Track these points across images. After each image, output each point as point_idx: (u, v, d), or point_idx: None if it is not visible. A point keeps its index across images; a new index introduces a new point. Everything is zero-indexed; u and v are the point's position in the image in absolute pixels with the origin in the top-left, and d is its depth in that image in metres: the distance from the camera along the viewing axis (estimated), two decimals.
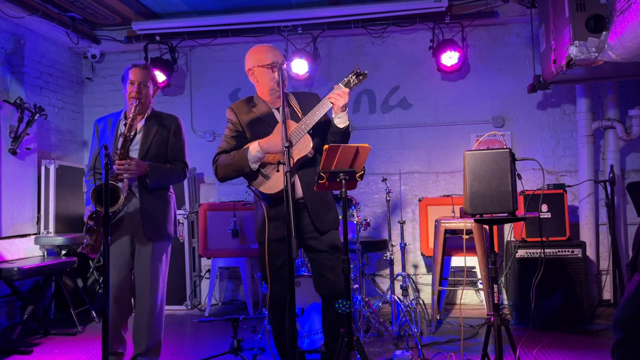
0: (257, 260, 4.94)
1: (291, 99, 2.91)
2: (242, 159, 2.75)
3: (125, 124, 3.04)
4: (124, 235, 3.02)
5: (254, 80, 2.91)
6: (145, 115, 3.11)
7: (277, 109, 2.87)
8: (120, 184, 2.88)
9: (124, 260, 3.04)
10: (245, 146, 2.80)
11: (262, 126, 2.83)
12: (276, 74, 2.69)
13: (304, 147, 2.70)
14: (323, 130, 2.80)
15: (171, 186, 3.23)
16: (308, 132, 2.70)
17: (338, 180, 2.49)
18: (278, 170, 2.73)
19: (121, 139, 2.95)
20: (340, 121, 2.73)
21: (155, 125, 3.11)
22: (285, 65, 2.82)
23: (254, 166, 2.75)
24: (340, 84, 2.67)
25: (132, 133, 3.00)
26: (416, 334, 3.65)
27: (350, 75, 2.67)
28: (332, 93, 2.66)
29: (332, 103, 2.66)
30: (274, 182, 2.75)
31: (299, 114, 2.83)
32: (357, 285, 3.86)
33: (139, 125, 3.10)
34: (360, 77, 2.67)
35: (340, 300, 2.51)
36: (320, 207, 2.83)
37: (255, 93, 2.96)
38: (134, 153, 3.02)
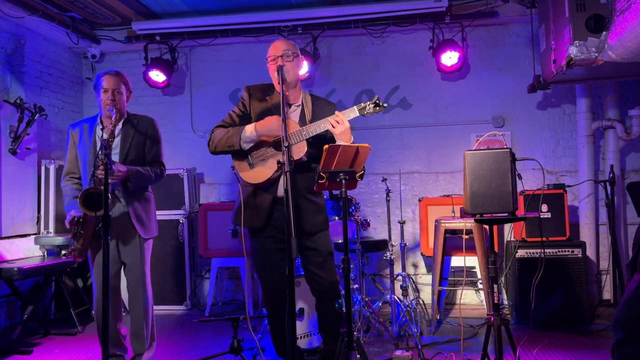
0: None
1: (307, 101, 2.90)
2: (235, 136, 2.77)
3: (102, 129, 3.11)
4: (111, 238, 3.05)
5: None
6: (122, 120, 3.15)
7: (290, 105, 2.88)
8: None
9: (113, 261, 3.06)
10: (243, 125, 2.81)
11: (269, 116, 2.82)
12: (276, 72, 2.69)
13: (297, 151, 2.70)
14: (325, 143, 2.78)
15: (149, 185, 3.29)
16: (307, 139, 2.69)
17: (338, 180, 2.50)
18: (278, 171, 2.74)
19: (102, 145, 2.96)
20: None
21: (132, 129, 3.17)
22: (293, 58, 2.79)
23: (245, 146, 2.76)
24: (355, 107, 2.66)
25: (111, 138, 3.00)
26: (416, 334, 3.65)
27: (368, 103, 2.65)
28: (332, 117, 2.65)
29: (331, 126, 2.64)
30: (256, 173, 2.77)
31: (307, 118, 2.83)
32: (357, 285, 3.86)
33: (116, 129, 3.13)
34: (377, 108, 2.65)
35: (339, 301, 2.52)
36: (308, 210, 2.84)
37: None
38: (114, 157, 3.07)
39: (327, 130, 2.69)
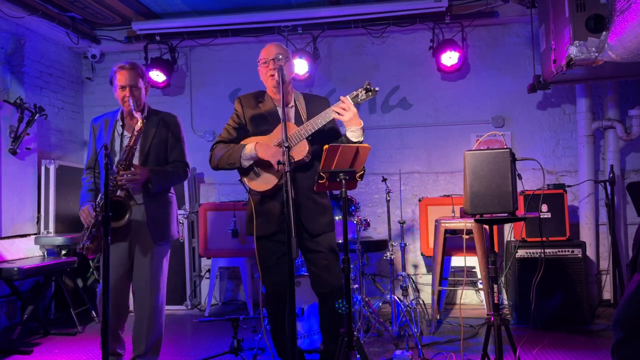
0: (256, 260, 4.94)
1: (299, 101, 2.90)
2: (235, 154, 2.77)
3: (122, 125, 3.03)
4: (122, 237, 2.98)
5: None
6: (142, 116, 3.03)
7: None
8: (118, 192, 2.84)
9: (121, 262, 3.00)
10: (243, 142, 2.81)
11: (264, 123, 2.83)
12: (276, 73, 2.68)
13: (298, 152, 2.69)
14: (326, 138, 2.78)
15: (172, 187, 3.20)
16: (307, 138, 2.69)
17: (338, 180, 2.49)
18: (278, 170, 2.74)
19: (125, 150, 2.87)
20: (354, 135, 2.69)
21: (154, 125, 3.05)
22: (286, 61, 2.79)
23: (245, 163, 2.76)
24: (347, 96, 2.64)
25: (136, 145, 2.91)
26: (416, 334, 3.65)
27: (359, 90, 2.63)
28: (337, 105, 2.63)
29: (338, 114, 2.62)
30: (263, 180, 2.77)
31: (303, 118, 2.82)
32: (357, 285, 3.86)
33: (136, 127, 3.05)
34: (370, 93, 2.63)
35: (340, 301, 2.51)
36: (312, 211, 2.82)
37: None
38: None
39: (329, 123, 2.68)
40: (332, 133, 2.80)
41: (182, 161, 3.14)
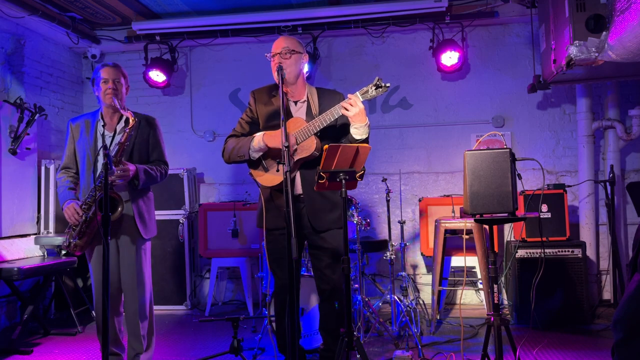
0: (256, 260, 4.95)
1: (312, 95, 2.89)
2: (245, 147, 2.78)
3: (103, 125, 3.09)
4: (111, 233, 2.99)
5: None
6: (124, 118, 3.08)
7: (295, 102, 2.88)
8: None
9: (112, 261, 3.04)
10: (252, 135, 2.81)
11: (274, 118, 2.82)
12: (276, 72, 2.69)
13: (307, 148, 2.69)
14: (337, 133, 2.78)
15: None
16: (316, 134, 2.68)
17: (338, 180, 2.49)
18: (278, 170, 2.75)
19: (117, 146, 2.94)
20: (357, 132, 2.70)
21: (135, 128, 3.09)
22: (292, 55, 2.78)
23: (255, 155, 2.78)
24: (357, 92, 2.63)
25: (127, 141, 2.98)
26: (416, 334, 3.65)
27: (370, 86, 2.63)
28: (345, 101, 2.63)
29: (345, 110, 2.62)
30: (271, 177, 2.78)
31: (315, 113, 2.82)
32: (357, 285, 3.87)
33: (118, 127, 3.10)
34: (380, 90, 2.62)
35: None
36: (320, 207, 2.83)
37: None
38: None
39: (337, 119, 2.68)
40: (344, 128, 2.79)
41: (163, 161, 3.24)
